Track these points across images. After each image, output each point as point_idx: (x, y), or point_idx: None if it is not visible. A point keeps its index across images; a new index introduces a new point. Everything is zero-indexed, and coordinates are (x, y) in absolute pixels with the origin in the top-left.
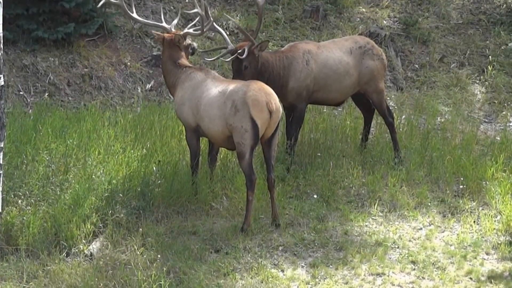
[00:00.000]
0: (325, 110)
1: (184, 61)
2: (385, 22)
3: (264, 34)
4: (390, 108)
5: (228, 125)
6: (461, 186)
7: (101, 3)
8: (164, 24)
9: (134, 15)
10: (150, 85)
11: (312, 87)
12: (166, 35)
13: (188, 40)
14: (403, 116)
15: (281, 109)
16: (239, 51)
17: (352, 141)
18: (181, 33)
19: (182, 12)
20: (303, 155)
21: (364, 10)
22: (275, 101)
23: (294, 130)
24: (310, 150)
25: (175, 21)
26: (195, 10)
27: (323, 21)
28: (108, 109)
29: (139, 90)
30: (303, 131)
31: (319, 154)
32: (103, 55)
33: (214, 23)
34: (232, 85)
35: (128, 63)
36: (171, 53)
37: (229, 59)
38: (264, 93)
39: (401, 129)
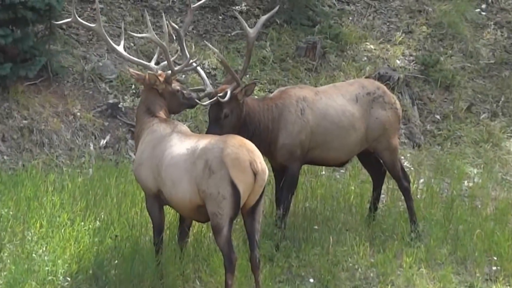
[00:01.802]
0: (323, 172)
1: (158, 109)
2: (398, 62)
3: (248, 76)
4: (406, 169)
5: (200, 191)
6: (494, 268)
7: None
8: (151, 63)
9: (120, 48)
10: (105, 141)
11: (308, 143)
12: (147, 74)
13: (176, 85)
14: (421, 180)
15: (267, 171)
16: (219, 94)
17: (357, 211)
18: (159, 73)
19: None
20: (297, 228)
21: (372, 47)
22: (260, 160)
23: (285, 197)
24: (305, 222)
25: (155, 58)
26: (161, 41)
27: (321, 60)
28: (53, 171)
29: (91, 147)
30: (296, 199)
31: (316, 227)
32: (46, 103)
33: (190, 60)
34: (204, 141)
35: (78, 113)
36: (147, 97)
37: (206, 103)
38: (246, 150)
39: (418, 196)
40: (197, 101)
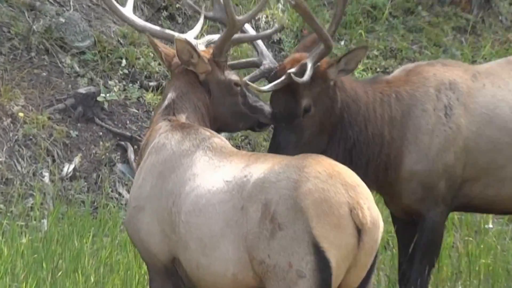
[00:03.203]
0: (491, 226)
1: (185, 109)
2: None
3: (340, 42)
4: None
5: (254, 262)
6: None
7: None
8: (186, 35)
9: (132, 16)
10: (71, 166)
11: (461, 170)
12: (176, 42)
13: (233, 74)
14: None
15: (381, 223)
16: (291, 70)
17: None
18: (200, 46)
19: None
20: None
21: None
22: (369, 204)
23: (419, 274)
24: None
25: (197, 29)
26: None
27: (483, 12)
28: None
29: (46, 178)
30: (438, 276)
31: None
32: None
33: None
34: (260, 166)
35: (21, 115)
36: (174, 88)
37: (268, 87)
38: (342, 184)
39: None
40: (264, 112)
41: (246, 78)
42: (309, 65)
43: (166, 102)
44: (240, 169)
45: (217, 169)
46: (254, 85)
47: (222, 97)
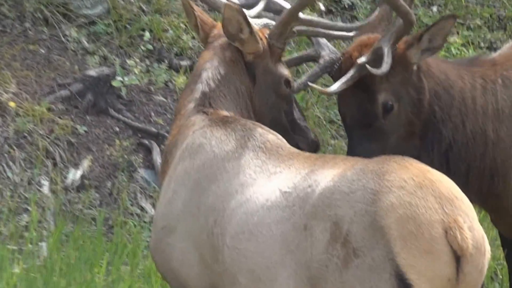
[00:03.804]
0: None
1: (227, 98)
2: None
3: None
4: None
5: None
6: None
7: None
8: None
9: None
10: (80, 172)
11: None
12: (223, 8)
13: (284, 69)
14: None
15: (487, 246)
16: (360, 60)
17: None
18: (255, 21)
19: None
20: None
21: None
22: (471, 222)
23: None
24: None
25: (258, 7)
26: None
27: None
28: None
29: (45, 188)
30: None
31: None
32: None
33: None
34: (328, 172)
35: (14, 104)
36: (211, 68)
37: (336, 87)
38: (434, 196)
39: None
40: (308, 138)
41: (303, 80)
42: (385, 50)
43: (199, 87)
44: (302, 177)
45: (272, 177)
46: (317, 86)
47: (266, 93)
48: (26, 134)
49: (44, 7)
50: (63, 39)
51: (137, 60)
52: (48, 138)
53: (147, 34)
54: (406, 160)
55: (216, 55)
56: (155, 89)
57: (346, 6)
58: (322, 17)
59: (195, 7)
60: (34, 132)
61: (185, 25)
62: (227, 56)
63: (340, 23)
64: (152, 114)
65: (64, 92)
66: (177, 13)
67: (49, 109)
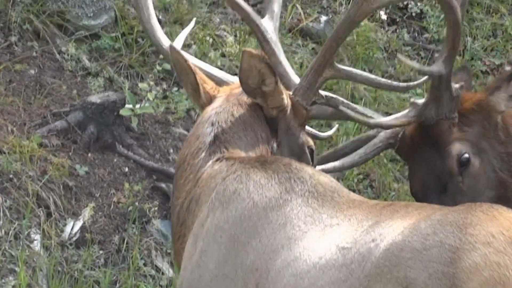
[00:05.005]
0: None
1: (251, 144)
2: None
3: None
4: None
5: None
6: None
7: None
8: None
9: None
10: (80, 224)
11: None
12: (244, 54)
13: (306, 135)
14: None
15: None
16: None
17: None
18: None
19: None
20: None
21: None
22: None
23: None
24: None
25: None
26: None
27: None
28: None
29: (37, 244)
30: None
31: None
32: None
33: None
34: (398, 223)
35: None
36: (229, 108)
37: (389, 120)
38: None
39: None
40: None
41: (335, 165)
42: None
43: (208, 131)
44: (364, 229)
45: (327, 229)
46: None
47: (288, 154)
48: (12, 176)
49: (34, 17)
50: (58, 56)
51: (151, 83)
52: (40, 181)
53: None
54: (495, 209)
55: (228, 101)
56: (174, 119)
57: (414, 14)
58: (384, 28)
59: (190, 58)
60: (22, 173)
61: (213, 38)
62: (242, 100)
63: (389, 82)
64: (170, 150)
65: (59, 123)
66: (202, 24)
67: (41, 145)
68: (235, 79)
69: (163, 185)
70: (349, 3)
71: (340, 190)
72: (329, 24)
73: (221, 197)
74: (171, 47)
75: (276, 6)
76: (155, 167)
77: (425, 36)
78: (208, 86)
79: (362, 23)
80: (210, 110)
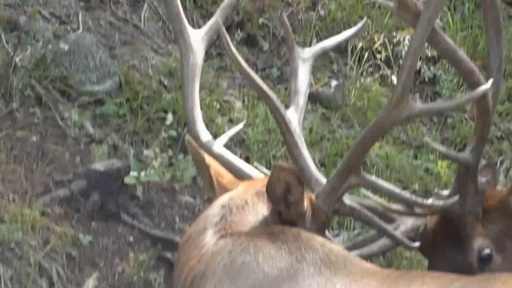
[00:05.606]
0: None
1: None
2: None
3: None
4: None
5: None
6: None
7: None
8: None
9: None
10: None
11: None
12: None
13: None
14: None
15: None
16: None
17: None
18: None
19: None
20: None
21: None
22: None
23: None
24: None
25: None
26: None
27: None
28: None
29: None
30: None
31: None
32: None
33: None
34: None
35: None
36: (243, 196)
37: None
38: None
39: None
40: None
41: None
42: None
43: (216, 212)
44: None
45: None
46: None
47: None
48: (13, 246)
49: (36, 83)
50: (60, 123)
51: (157, 150)
52: (42, 250)
53: (169, 117)
54: None
55: (246, 191)
56: (180, 187)
57: (427, 79)
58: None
59: (206, 156)
60: (24, 242)
61: (220, 104)
62: (261, 192)
63: (414, 199)
64: (177, 219)
65: (62, 192)
66: (209, 89)
67: (43, 213)
68: (260, 174)
69: (169, 255)
70: (359, 67)
71: (352, 258)
72: (339, 88)
73: (229, 271)
74: (188, 140)
75: (302, 99)
76: (161, 236)
77: (436, 98)
78: (224, 180)
79: (374, 88)
80: (225, 195)
